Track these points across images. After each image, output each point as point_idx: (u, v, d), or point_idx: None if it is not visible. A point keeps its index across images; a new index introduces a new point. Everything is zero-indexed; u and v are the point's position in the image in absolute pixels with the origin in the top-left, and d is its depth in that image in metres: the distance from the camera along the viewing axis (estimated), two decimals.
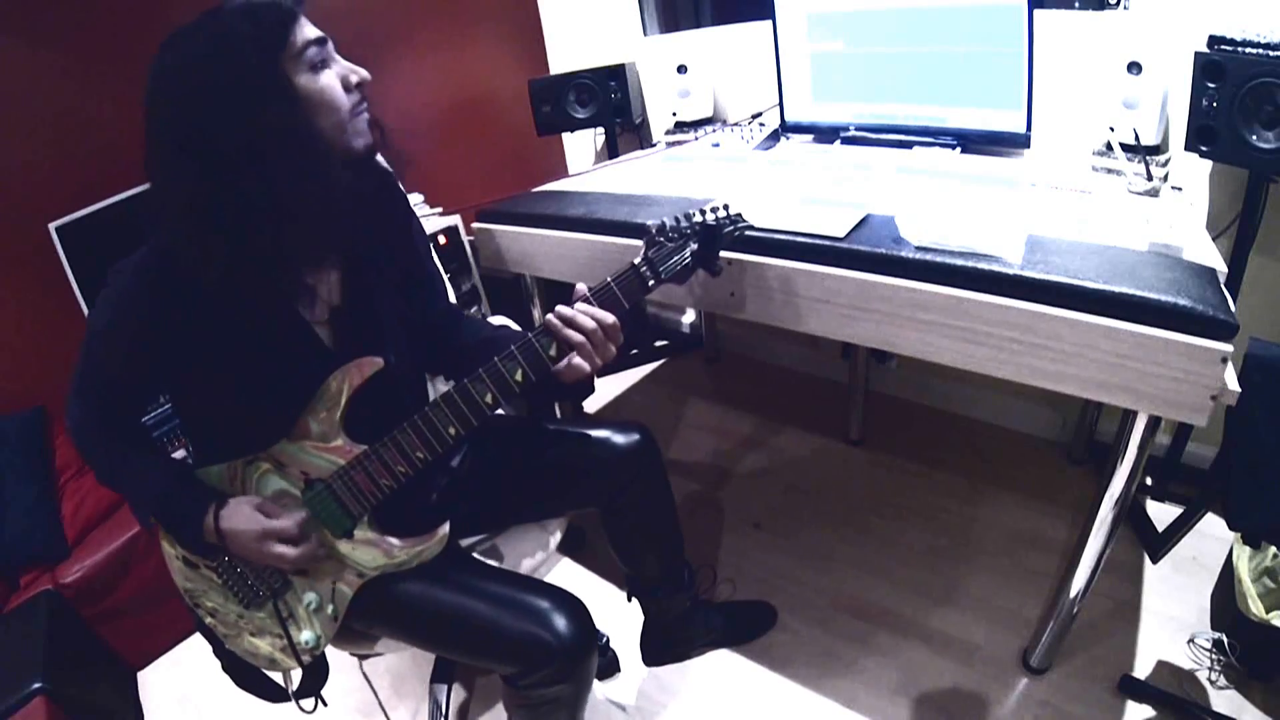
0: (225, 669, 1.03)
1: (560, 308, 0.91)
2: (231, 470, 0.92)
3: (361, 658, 1.30)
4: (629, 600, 1.36)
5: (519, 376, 0.89)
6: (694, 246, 0.99)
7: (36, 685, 1.20)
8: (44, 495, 1.56)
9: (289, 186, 0.77)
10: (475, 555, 1.13)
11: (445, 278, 2.03)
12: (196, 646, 1.62)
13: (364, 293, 0.95)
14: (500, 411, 1.31)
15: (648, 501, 1.22)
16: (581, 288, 0.93)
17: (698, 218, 1.00)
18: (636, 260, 0.96)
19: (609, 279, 0.94)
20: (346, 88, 0.83)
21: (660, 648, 1.45)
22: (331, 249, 0.89)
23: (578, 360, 0.91)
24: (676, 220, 0.99)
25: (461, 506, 1.09)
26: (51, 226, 1.55)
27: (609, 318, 0.91)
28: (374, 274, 0.96)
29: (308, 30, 0.81)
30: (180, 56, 0.76)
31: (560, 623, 0.89)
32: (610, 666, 1.46)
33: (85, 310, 1.61)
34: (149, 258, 0.82)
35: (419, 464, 0.90)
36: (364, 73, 0.85)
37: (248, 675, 1.03)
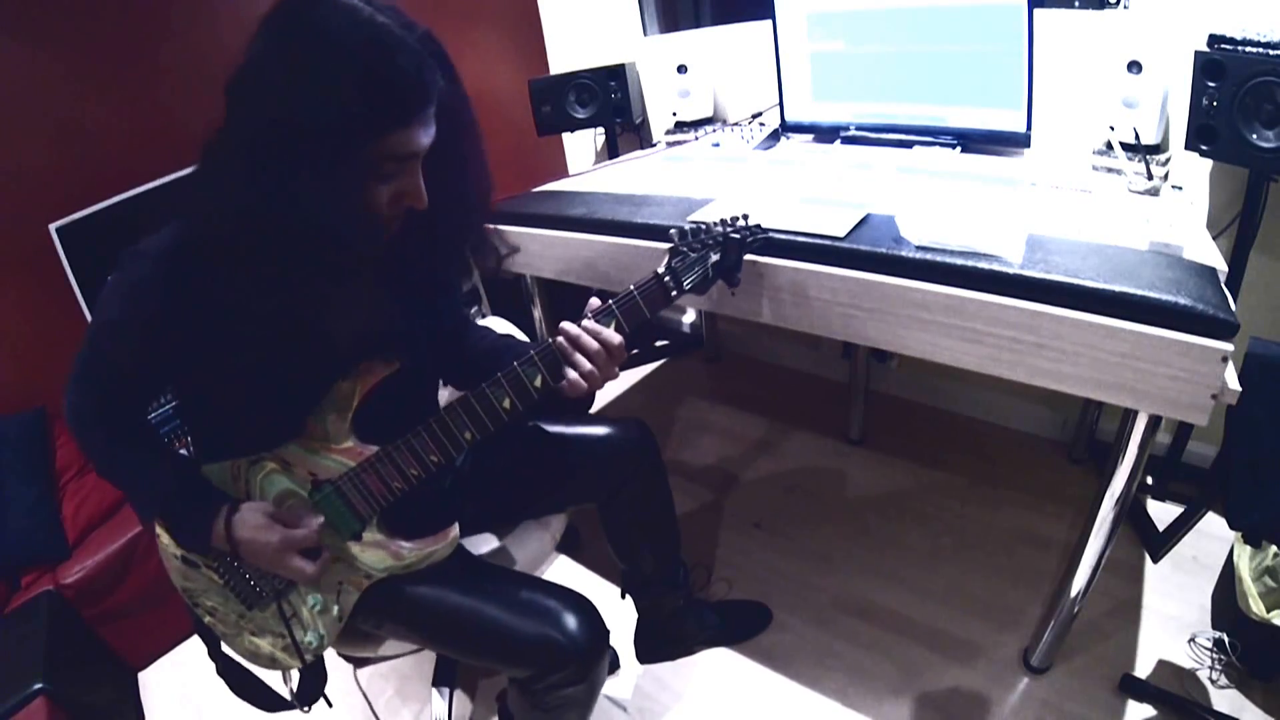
0: (220, 673, 1.00)
1: (567, 327, 0.88)
2: (234, 469, 0.90)
3: (354, 660, 1.30)
4: (623, 598, 1.37)
5: (538, 383, 0.88)
6: (715, 258, 0.99)
7: (37, 686, 1.20)
8: (45, 496, 1.56)
9: (312, 251, 0.72)
10: (480, 556, 1.13)
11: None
12: (197, 647, 1.61)
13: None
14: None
15: (646, 496, 1.22)
16: (595, 302, 0.91)
17: (719, 229, 0.99)
18: (660, 269, 0.94)
19: (632, 287, 0.92)
20: (395, 200, 0.77)
21: (654, 646, 1.46)
22: (358, 312, 0.83)
23: (576, 378, 0.88)
24: (698, 227, 0.98)
25: (466, 506, 1.09)
26: (52, 227, 1.55)
27: (615, 339, 0.88)
28: (396, 277, 0.93)
29: (415, 138, 0.72)
30: (286, 51, 0.67)
31: (573, 624, 0.89)
32: (611, 664, 1.46)
33: (86, 311, 1.61)
34: (170, 247, 0.76)
35: (432, 467, 0.89)
36: (424, 200, 0.78)
37: (242, 682, 1.02)
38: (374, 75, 0.66)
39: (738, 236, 0.99)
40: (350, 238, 0.73)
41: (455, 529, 0.93)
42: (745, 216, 1.04)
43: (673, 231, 0.97)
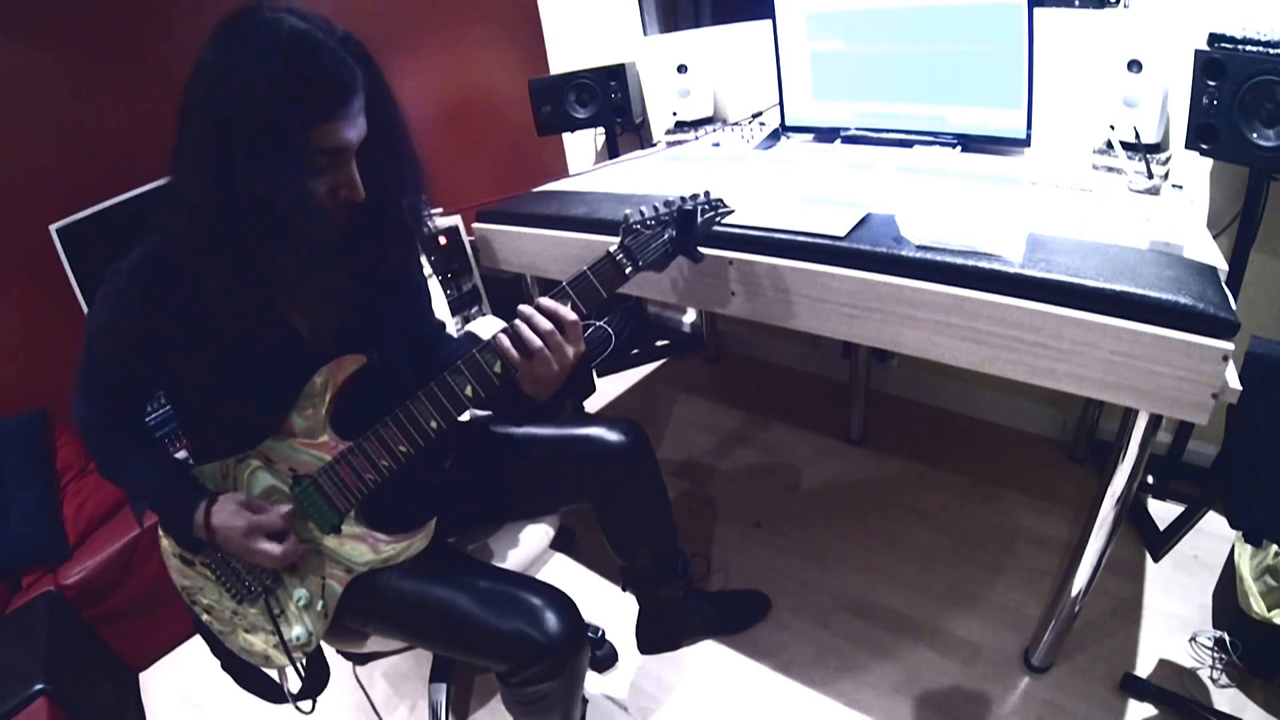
0: (225, 668, 1.03)
1: (522, 307, 0.90)
2: (224, 468, 0.93)
3: (354, 658, 1.30)
4: (624, 591, 1.37)
5: (498, 368, 0.90)
6: (672, 232, 0.99)
7: (38, 687, 1.20)
8: (45, 497, 1.56)
9: (279, 234, 0.76)
10: (467, 553, 1.14)
11: (438, 283, 2.04)
12: (198, 648, 1.62)
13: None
14: (488, 411, 1.32)
15: (640, 496, 1.23)
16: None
17: (675, 204, 1.00)
18: (613, 248, 0.96)
19: (585, 268, 0.93)
20: (332, 193, 0.80)
21: (653, 636, 1.47)
22: (322, 287, 0.85)
23: (529, 364, 0.88)
24: (655, 208, 0.99)
25: (454, 506, 1.09)
26: (52, 228, 1.55)
27: (569, 315, 0.89)
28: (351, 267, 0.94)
29: (342, 131, 0.76)
30: (222, 60, 0.72)
31: (550, 620, 0.90)
32: (609, 659, 1.47)
33: (86, 311, 1.61)
34: (144, 258, 0.83)
35: (402, 459, 0.91)
36: (359, 191, 0.81)
37: (247, 675, 1.04)
38: (298, 73, 0.72)
39: (691, 209, 1.00)
40: (296, 223, 0.76)
41: (432, 523, 0.95)
42: (706, 193, 1.04)
43: (627, 212, 0.98)
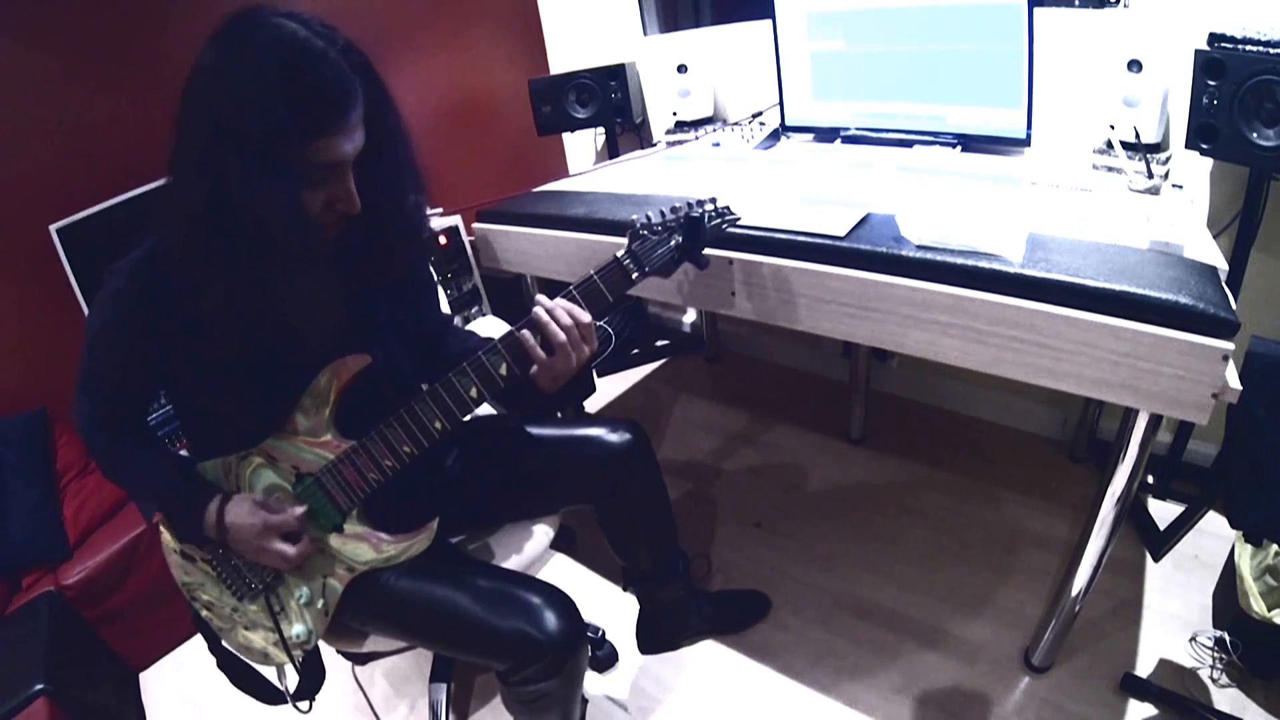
0: (220, 667, 1.03)
1: (543, 298, 0.91)
2: (226, 465, 0.93)
3: (354, 658, 1.30)
4: (625, 590, 1.38)
5: (503, 370, 0.90)
6: (678, 239, 0.99)
7: (38, 687, 1.20)
8: (46, 496, 1.56)
9: (270, 243, 0.75)
10: (467, 552, 1.14)
11: (438, 283, 2.04)
12: (198, 648, 1.62)
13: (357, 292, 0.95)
14: (491, 411, 1.32)
15: (641, 497, 1.23)
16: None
17: (683, 210, 1.00)
18: (619, 253, 0.96)
19: (592, 272, 0.94)
20: (328, 206, 0.80)
21: (653, 636, 1.47)
22: (317, 299, 0.85)
23: (551, 359, 0.90)
24: (662, 214, 0.99)
25: (454, 505, 1.10)
26: (52, 228, 1.55)
27: (585, 316, 0.91)
28: (350, 273, 0.95)
29: (339, 145, 0.75)
30: (219, 65, 0.71)
31: (549, 619, 0.91)
32: (609, 659, 1.47)
33: (86, 311, 1.61)
34: (142, 259, 0.82)
35: (406, 459, 0.91)
36: (355, 205, 0.81)
37: (242, 675, 1.04)
38: (295, 85, 0.71)
39: (699, 216, 0.99)
40: (287, 238, 0.76)
41: (434, 523, 0.95)
42: (713, 200, 1.04)
43: (634, 217, 0.98)
